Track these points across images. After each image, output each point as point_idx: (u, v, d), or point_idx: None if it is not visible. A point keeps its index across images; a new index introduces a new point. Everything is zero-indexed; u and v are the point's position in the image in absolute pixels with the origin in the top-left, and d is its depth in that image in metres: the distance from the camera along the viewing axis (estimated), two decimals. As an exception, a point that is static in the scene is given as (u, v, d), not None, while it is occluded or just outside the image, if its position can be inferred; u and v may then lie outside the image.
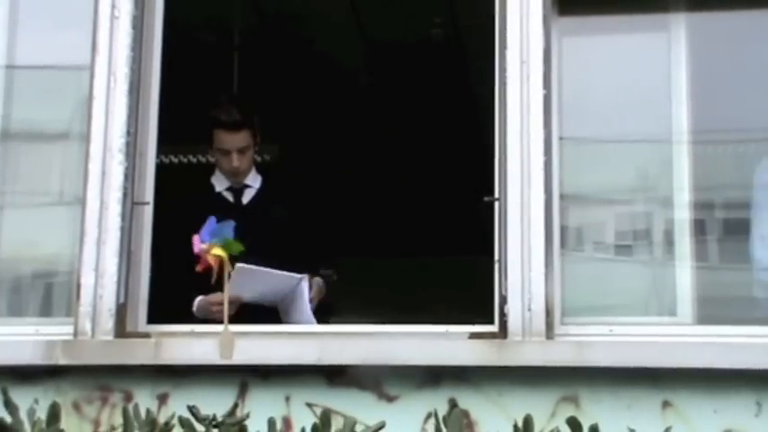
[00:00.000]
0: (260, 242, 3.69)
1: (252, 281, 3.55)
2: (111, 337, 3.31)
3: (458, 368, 3.17)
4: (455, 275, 6.42)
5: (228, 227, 3.35)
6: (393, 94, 4.05)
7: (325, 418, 2.41)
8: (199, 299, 3.72)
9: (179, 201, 3.91)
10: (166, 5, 3.53)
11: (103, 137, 3.41)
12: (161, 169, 3.51)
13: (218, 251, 3.28)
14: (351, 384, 3.22)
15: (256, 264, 3.61)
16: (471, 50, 5.17)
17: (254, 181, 4.09)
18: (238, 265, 3.39)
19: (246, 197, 4.07)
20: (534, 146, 3.30)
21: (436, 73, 5.50)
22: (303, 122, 5.84)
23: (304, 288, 3.72)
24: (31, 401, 2.85)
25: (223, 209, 3.85)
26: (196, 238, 3.32)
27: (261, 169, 4.15)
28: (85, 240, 3.38)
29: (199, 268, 3.30)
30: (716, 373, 3.08)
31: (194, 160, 5.94)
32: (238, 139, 3.97)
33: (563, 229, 3.35)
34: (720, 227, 3.49)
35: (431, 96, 5.58)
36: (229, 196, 4.07)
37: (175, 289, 3.65)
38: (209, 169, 4.15)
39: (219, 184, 4.08)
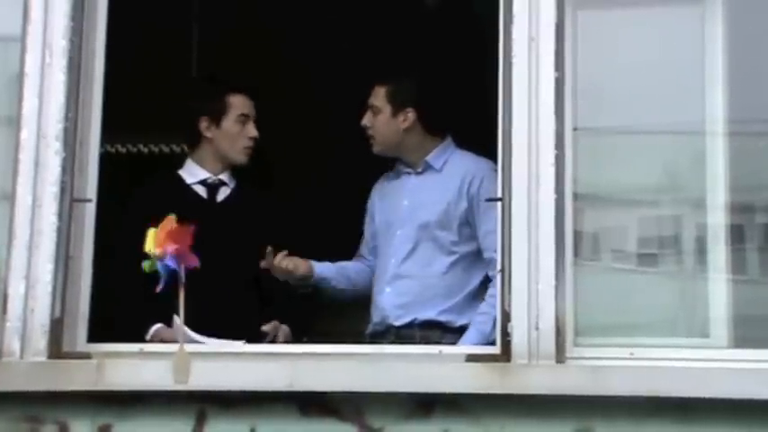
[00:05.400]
0: (234, 245, 3.62)
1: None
2: (44, 359, 3.17)
3: (453, 396, 3.08)
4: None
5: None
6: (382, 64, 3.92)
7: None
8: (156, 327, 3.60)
9: (140, 190, 3.80)
10: (113, -34, 3.42)
11: (37, 122, 3.26)
12: (105, 161, 3.37)
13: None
14: (327, 414, 3.13)
15: (226, 268, 3.55)
16: (467, 23, 4.89)
17: (229, 180, 3.88)
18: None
19: (221, 195, 3.86)
20: (544, 138, 3.19)
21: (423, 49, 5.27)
22: (278, 103, 5.53)
23: None
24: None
25: (194, 205, 3.71)
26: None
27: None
28: (14, 244, 3.22)
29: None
30: (755, 404, 2.99)
31: (145, 150, 5.83)
32: (253, 108, 3.85)
33: (577, 235, 3.24)
34: (761, 233, 3.38)
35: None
36: (202, 192, 3.84)
37: (122, 300, 3.52)
38: (168, 160, 4.10)
39: (191, 176, 3.85)
